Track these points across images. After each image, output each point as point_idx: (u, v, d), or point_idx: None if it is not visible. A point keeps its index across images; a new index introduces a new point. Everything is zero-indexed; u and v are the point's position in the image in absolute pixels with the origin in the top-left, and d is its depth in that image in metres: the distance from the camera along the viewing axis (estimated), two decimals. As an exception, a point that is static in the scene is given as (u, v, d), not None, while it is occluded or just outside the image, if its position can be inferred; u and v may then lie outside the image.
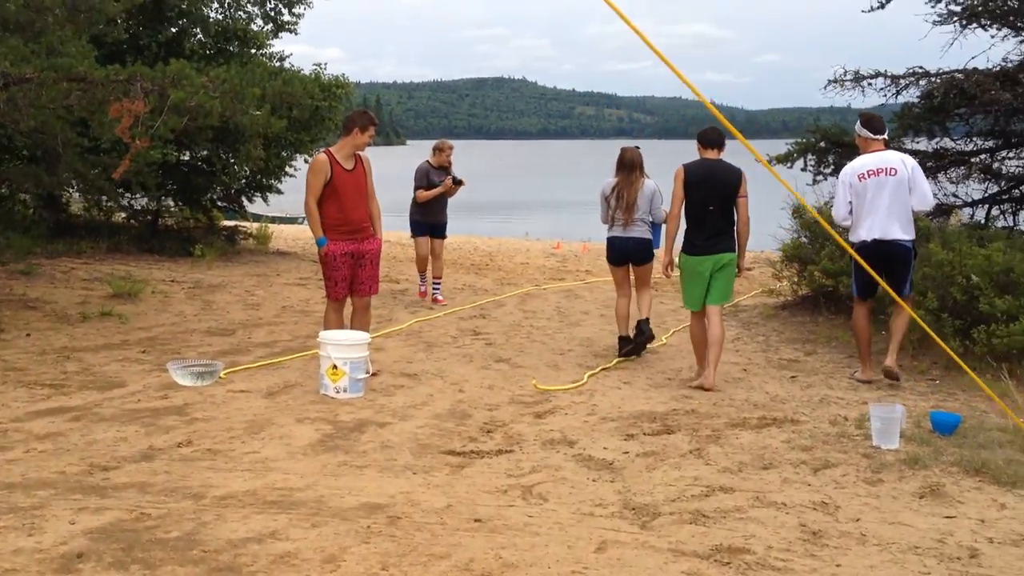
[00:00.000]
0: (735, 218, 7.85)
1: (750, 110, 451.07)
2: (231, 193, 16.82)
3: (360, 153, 7.80)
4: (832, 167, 13.38)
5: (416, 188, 11.75)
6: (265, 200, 18.01)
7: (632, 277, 9.20)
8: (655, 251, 9.17)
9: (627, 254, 8.92)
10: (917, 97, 12.37)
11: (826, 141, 13.00)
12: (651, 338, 8.98)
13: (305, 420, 6.42)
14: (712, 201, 7.75)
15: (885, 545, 4.31)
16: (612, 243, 8.98)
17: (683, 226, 7.99)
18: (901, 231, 7.70)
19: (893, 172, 7.74)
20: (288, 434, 6.08)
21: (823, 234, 11.32)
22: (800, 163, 13.18)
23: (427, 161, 11.88)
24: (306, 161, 17.40)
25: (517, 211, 41.35)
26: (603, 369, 8.30)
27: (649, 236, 8.94)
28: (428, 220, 11.84)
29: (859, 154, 8.13)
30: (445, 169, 11.78)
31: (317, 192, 7.57)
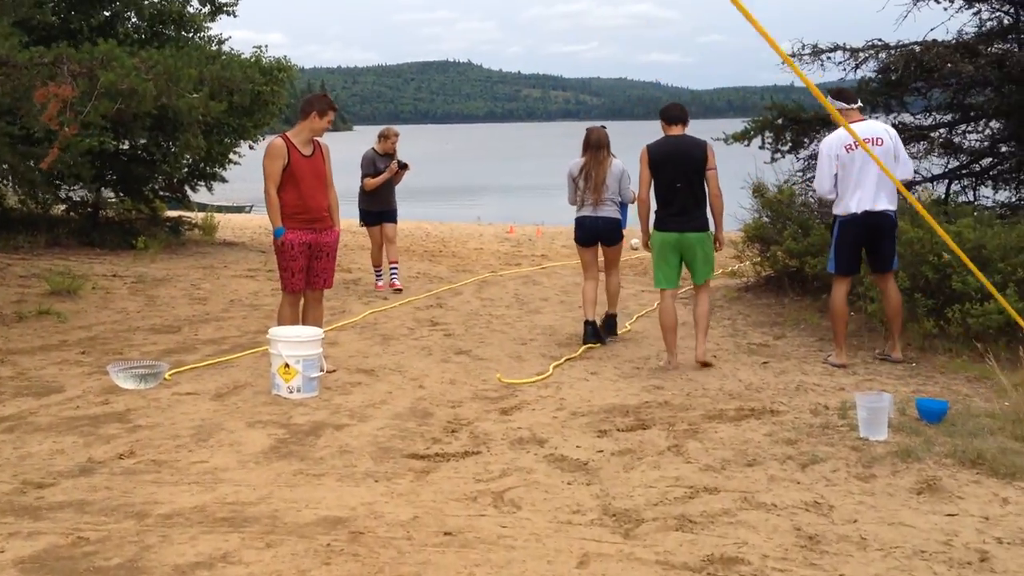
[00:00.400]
0: (705, 193, 7.64)
1: (695, 90, 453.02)
2: (174, 183, 16.24)
3: (318, 139, 7.40)
4: (790, 144, 13.15)
5: (363, 176, 11.54)
6: (209, 189, 17.46)
7: (601, 258, 8.97)
8: (623, 231, 8.98)
9: (597, 234, 8.71)
10: (874, 72, 12.17)
11: (783, 118, 12.76)
12: (612, 333, 8.95)
13: (257, 424, 6.02)
14: (679, 178, 7.57)
15: (888, 550, 4.01)
16: (581, 223, 8.75)
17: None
18: (888, 202, 7.51)
19: (880, 142, 7.50)
20: (239, 440, 5.68)
21: (785, 213, 11.09)
22: (758, 141, 12.96)
23: (372, 148, 11.68)
24: (251, 147, 16.91)
25: (467, 195, 40.93)
26: (568, 360, 7.97)
27: (619, 216, 8.76)
28: (377, 208, 11.67)
29: (831, 128, 7.85)
30: (391, 156, 11.57)
31: (276, 178, 7.19)
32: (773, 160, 12.87)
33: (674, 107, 7.88)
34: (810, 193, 11.87)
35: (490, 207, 33.73)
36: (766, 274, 11.39)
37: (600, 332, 8.74)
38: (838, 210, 7.56)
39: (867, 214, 7.45)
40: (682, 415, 6.12)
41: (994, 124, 12.46)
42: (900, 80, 11.84)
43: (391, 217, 11.78)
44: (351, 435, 5.79)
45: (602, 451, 5.41)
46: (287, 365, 6.55)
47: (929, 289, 8.14)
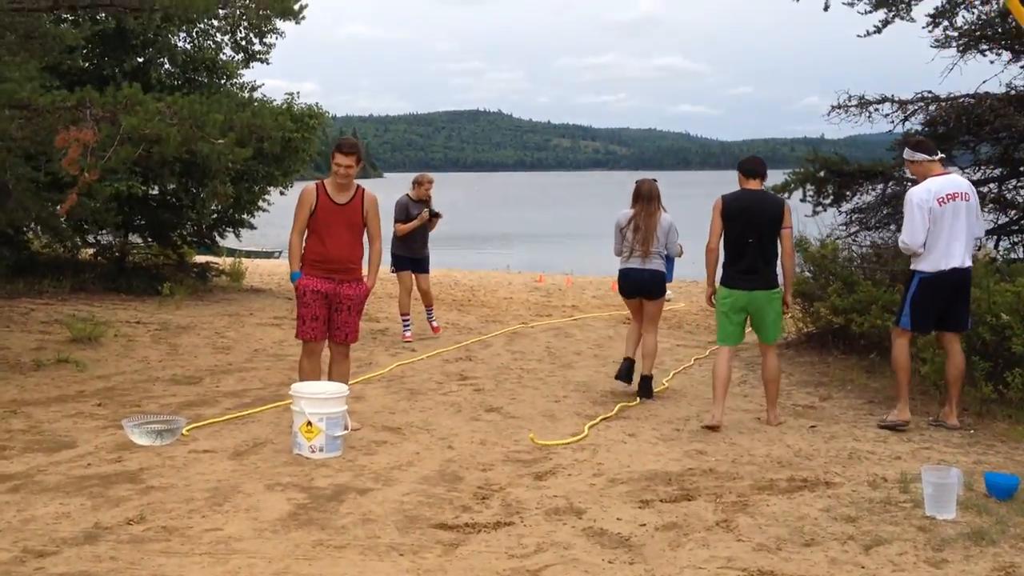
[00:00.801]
0: (777, 251, 7.46)
1: (724, 140, 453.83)
2: (202, 228, 16.06)
3: (364, 188, 7.16)
4: (831, 197, 12.82)
5: (396, 221, 11.33)
6: (237, 236, 17.29)
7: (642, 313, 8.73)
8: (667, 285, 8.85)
9: (642, 287, 8.52)
10: (921, 124, 11.83)
11: (826, 170, 12.44)
12: (648, 396, 8.52)
13: (276, 487, 5.67)
14: (751, 233, 7.36)
15: (971, 649, 3.61)
16: (627, 274, 8.58)
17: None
18: (969, 259, 7.27)
19: (967, 197, 7.22)
20: (256, 505, 5.33)
21: (828, 269, 10.70)
22: (799, 193, 12.64)
23: (407, 195, 11.52)
24: (281, 194, 16.74)
25: (496, 243, 40.72)
26: (603, 419, 7.59)
27: (664, 269, 8.60)
28: (409, 255, 11.50)
29: (915, 182, 7.47)
30: (424, 202, 11.45)
31: (301, 225, 7.04)
32: (815, 214, 12.53)
33: (752, 160, 7.65)
34: (854, 246, 11.51)
35: (519, 255, 33.50)
36: (808, 331, 10.98)
37: (649, 383, 8.54)
38: (923, 265, 7.19)
39: (955, 271, 7.11)
40: (729, 485, 5.72)
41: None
42: (948, 133, 11.50)
43: (423, 267, 11.63)
44: (375, 501, 5.44)
45: (645, 525, 5.02)
46: (309, 423, 6.22)
47: (986, 351, 7.72)
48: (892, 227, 11.77)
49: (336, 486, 5.70)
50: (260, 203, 16.34)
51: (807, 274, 11.22)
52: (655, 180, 8.74)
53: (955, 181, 7.39)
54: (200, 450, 6.43)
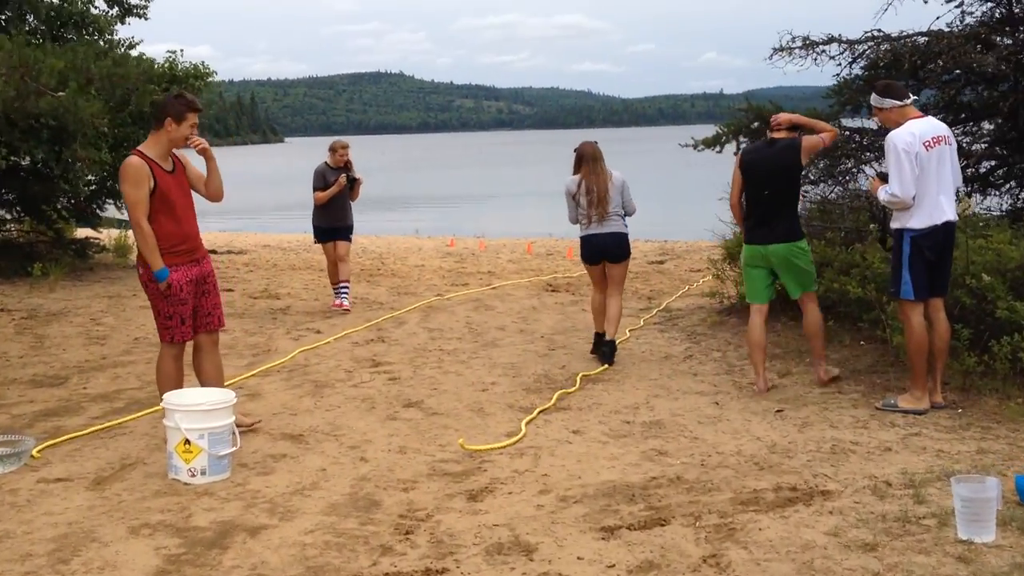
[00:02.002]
0: (796, 198, 7.23)
1: (627, 98, 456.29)
2: (80, 201, 14.54)
3: (175, 151, 5.94)
4: (766, 149, 11.96)
5: (314, 190, 10.96)
6: (118, 208, 15.80)
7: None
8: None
9: (604, 250, 8.23)
10: (861, 69, 10.97)
11: (760, 121, 11.53)
12: (609, 361, 8.09)
13: (143, 529, 4.50)
14: (764, 186, 7.02)
15: None
16: (588, 241, 8.28)
17: None
18: (955, 212, 6.42)
19: (950, 142, 6.32)
20: (114, 560, 4.16)
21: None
22: (731, 146, 11.75)
23: (324, 162, 11.08)
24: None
25: (403, 207, 39.37)
26: (541, 412, 6.55)
27: (626, 230, 8.29)
28: (330, 224, 11.04)
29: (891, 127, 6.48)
30: (342, 169, 11.01)
31: (145, 207, 5.70)
32: (749, 167, 11.66)
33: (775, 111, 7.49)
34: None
35: (428, 219, 32.25)
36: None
37: (612, 348, 8.21)
38: (913, 222, 6.22)
39: (946, 225, 6.22)
40: (706, 500, 4.71)
41: (986, 125, 11.35)
42: (890, 77, 10.66)
43: (345, 234, 11.13)
44: (270, 544, 4.31)
45: (614, 566, 3.98)
46: (187, 442, 5.05)
47: (965, 318, 6.86)
48: (829, 182, 10.96)
49: (220, 524, 4.55)
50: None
51: (746, 233, 10.35)
52: (595, 141, 8.39)
53: (935, 124, 6.46)
54: (52, 479, 5.21)
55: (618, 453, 5.56)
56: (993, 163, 10.88)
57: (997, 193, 11.09)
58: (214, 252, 18.03)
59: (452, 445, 5.78)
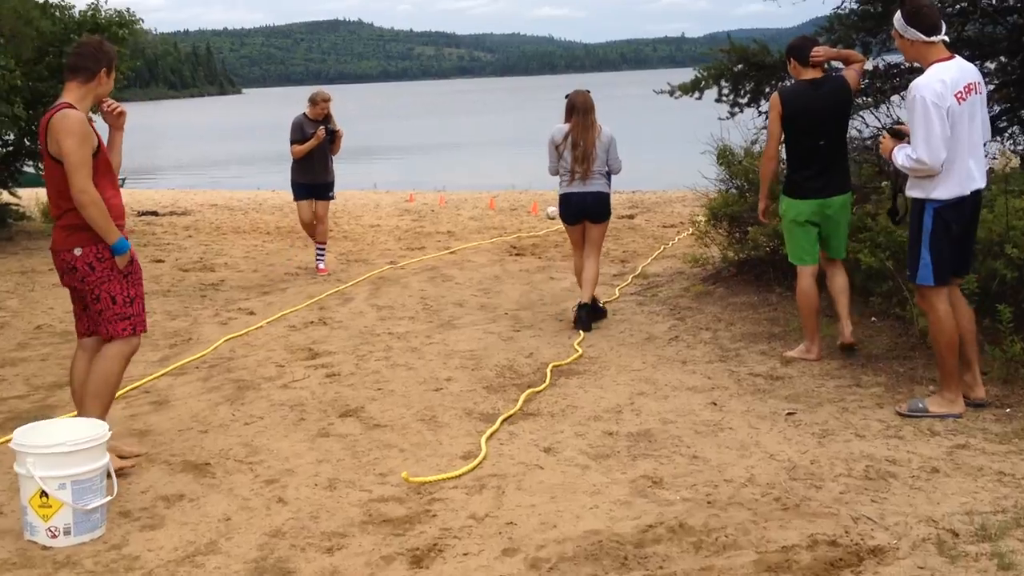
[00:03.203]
0: (847, 144, 6.67)
1: (588, 43, 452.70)
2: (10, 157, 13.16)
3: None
4: (749, 95, 10.83)
5: (292, 143, 10.38)
6: (39, 171, 14.46)
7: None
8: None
9: (585, 210, 7.76)
10: (856, 2, 9.82)
11: (744, 63, 10.39)
12: (587, 327, 7.53)
13: (-29, 628, 3.37)
14: (819, 134, 6.27)
15: None
16: (568, 199, 7.80)
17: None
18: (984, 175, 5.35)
19: (980, 90, 5.19)
20: None
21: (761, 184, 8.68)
22: (712, 92, 10.62)
23: (303, 113, 10.50)
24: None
25: (362, 159, 37.92)
26: (506, 419, 5.43)
27: (608, 190, 7.84)
28: (309, 180, 10.45)
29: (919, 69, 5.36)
30: (322, 121, 10.42)
31: (91, 169, 4.63)
32: (731, 116, 10.52)
33: (803, 42, 6.42)
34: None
35: (387, 172, 30.95)
36: (738, 259, 8.96)
37: (597, 311, 7.81)
38: (940, 192, 5.06)
39: (975, 195, 5.12)
40: (722, 565, 3.58)
41: (989, 64, 10.25)
42: (885, 11, 9.53)
43: (324, 192, 10.52)
44: (138, 651, 3.18)
45: None
46: (44, 494, 3.89)
47: (1005, 295, 5.79)
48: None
49: (77, 616, 3.42)
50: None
51: (733, 191, 9.23)
52: (588, 91, 7.88)
53: (965, 67, 5.28)
54: None
55: (601, 484, 4.45)
56: (1000, 107, 9.82)
57: (999, 139, 10.04)
58: (154, 214, 16.71)
59: (394, 475, 4.65)
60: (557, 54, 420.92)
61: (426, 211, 17.03)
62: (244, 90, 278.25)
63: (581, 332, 7.48)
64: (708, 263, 9.21)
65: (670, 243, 12.09)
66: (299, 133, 10.32)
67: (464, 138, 50.66)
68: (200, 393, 6.15)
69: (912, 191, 5.24)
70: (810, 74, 6.30)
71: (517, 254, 11.55)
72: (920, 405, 5.24)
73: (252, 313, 8.53)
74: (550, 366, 6.47)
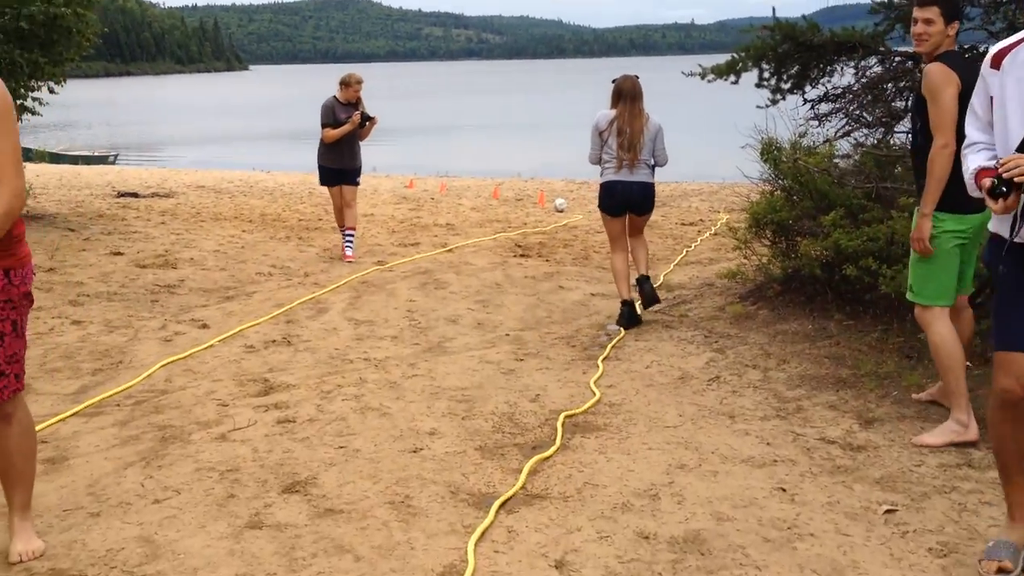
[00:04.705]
0: None
1: (598, 28, 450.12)
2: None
3: None
4: (793, 79, 9.45)
5: (323, 127, 10.02)
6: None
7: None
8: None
9: (630, 201, 7.35)
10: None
11: (791, 42, 8.99)
12: (655, 300, 7.35)
13: None
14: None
15: None
16: (612, 188, 7.35)
17: None
18: None
19: None
20: None
21: (818, 187, 7.25)
22: (751, 76, 9.26)
23: (333, 96, 10.16)
24: (51, 91, 12.57)
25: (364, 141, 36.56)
26: (502, 505, 4.05)
27: (653, 181, 7.45)
28: (336, 165, 10.12)
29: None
30: (354, 105, 10.08)
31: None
32: (773, 103, 9.14)
33: None
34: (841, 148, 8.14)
35: (388, 155, 29.58)
36: (779, 273, 7.54)
37: (640, 307, 7.39)
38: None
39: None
40: None
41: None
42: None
43: (352, 177, 10.20)
44: None
45: None
46: None
47: None
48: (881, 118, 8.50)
49: None
50: (25, 102, 12.11)
51: (779, 193, 7.81)
52: (636, 76, 7.52)
53: None
54: None
55: (640, 636, 3.07)
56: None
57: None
58: (134, 195, 15.33)
59: (343, 608, 3.26)
60: (566, 38, 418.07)
61: (425, 199, 15.69)
62: (251, 67, 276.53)
63: (600, 365, 6.10)
64: (747, 277, 7.81)
65: (692, 245, 10.74)
66: (331, 117, 9.98)
67: (470, 121, 49.23)
68: (110, 446, 4.75)
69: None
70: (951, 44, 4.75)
71: (522, 255, 10.19)
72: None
73: (205, 326, 7.14)
74: (561, 417, 5.09)
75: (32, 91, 12.04)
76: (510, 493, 4.14)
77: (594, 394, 5.52)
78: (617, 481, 4.29)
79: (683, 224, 12.56)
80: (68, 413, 5.20)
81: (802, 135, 8.18)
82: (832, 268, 6.74)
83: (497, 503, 4.03)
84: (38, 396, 5.50)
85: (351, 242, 10.09)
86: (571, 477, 4.35)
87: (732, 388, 5.61)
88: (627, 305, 7.18)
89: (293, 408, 5.33)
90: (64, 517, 3.94)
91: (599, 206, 7.58)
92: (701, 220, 12.93)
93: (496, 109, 58.97)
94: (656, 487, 4.22)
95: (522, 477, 4.29)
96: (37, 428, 4.87)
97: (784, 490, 4.16)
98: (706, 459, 4.52)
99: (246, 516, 3.96)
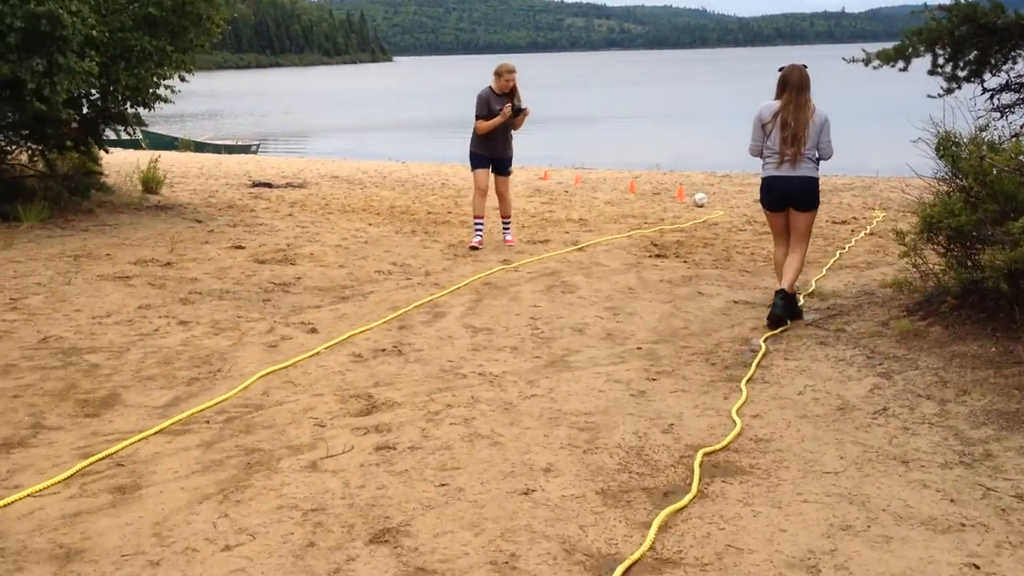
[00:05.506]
0: None
1: (743, 17, 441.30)
2: (70, 125, 11.59)
3: None
4: (971, 66, 8.48)
5: (476, 118, 10.02)
6: (127, 131, 13.08)
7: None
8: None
9: (790, 197, 7.06)
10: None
11: (970, 24, 8.02)
12: (782, 322, 6.75)
13: None
14: None
15: None
16: (772, 183, 7.10)
17: None
18: None
19: None
20: None
21: (1005, 189, 6.28)
22: (923, 62, 8.36)
23: (489, 87, 10.09)
24: (182, 79, 12.35)
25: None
26: (628, 569, 3.36)
27: (817, 175, 7.11)
28: (491, 155, 10.15)
29: None
30: (508, 95, 10.00)
31: None
32: (948, 92, 8.19)
33: None
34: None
35: (526, 145, 29.11)
36: (954, 285, 6.59)
37: (793, 308, 6.97)
38: None
39: None
40: None
41: None
42: None
43: (504, 168, 10.29)
44: None
45: None
46: None
47: None
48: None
49: None
50: (156, 90, 11.88)
51: (956, 193, 6.84)
52: (805, 66, 7.13)
53: None
54: None
55: None
56: None
57: None
58: (268, 186, 15.14)
59: None
60: (710, 27, 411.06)
61: (559, 192, 15.07)
62: (395, 58, 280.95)
63: (743, 388, 5.34)
64: (914, 287, 6.90)
65: (846, 247, 9.81)
66: (485, 108, 9.97)
67: (608, 111, 48.35)
68: (190, 473, 4.25)
69: None
70: None
71: (657, 255, 9.44)
72: None
73: (314, 330, 6.65)
74: (699, 455, 4.36)
75: (164, 79, 11.81)
76: (635, 556, 3.44)
77: (735, 423, 4.78)
78: (766, 545, 3.55)
79: (834, 222, 11.60)
80: (152, 431, 4.73)
81: (983, 128, 7.18)
82: (1020, 281, 5.81)
83: (620, 569, 3.34)
84: (125, 408, 5.07)
85: (508, 228, 10.39)
86: (710, 536, 3.63)
87: (903, 424, 4.77)
88: (780, 294, 6.82)
89: (395, 432, 4.74)
90: (120, 565, 3.43)
91: (760, 201, 7.33)
92: (854, 218, 11.94)
93: (636, 99, 57.91)
94: (815, 555, 3.46)
95: (651, 535, 3.59)
96: (116, 447, 4.43)
97: (977, 567, 3.35)
98: (876, 519, 3.73)
99: (323, 572, 3.37)
